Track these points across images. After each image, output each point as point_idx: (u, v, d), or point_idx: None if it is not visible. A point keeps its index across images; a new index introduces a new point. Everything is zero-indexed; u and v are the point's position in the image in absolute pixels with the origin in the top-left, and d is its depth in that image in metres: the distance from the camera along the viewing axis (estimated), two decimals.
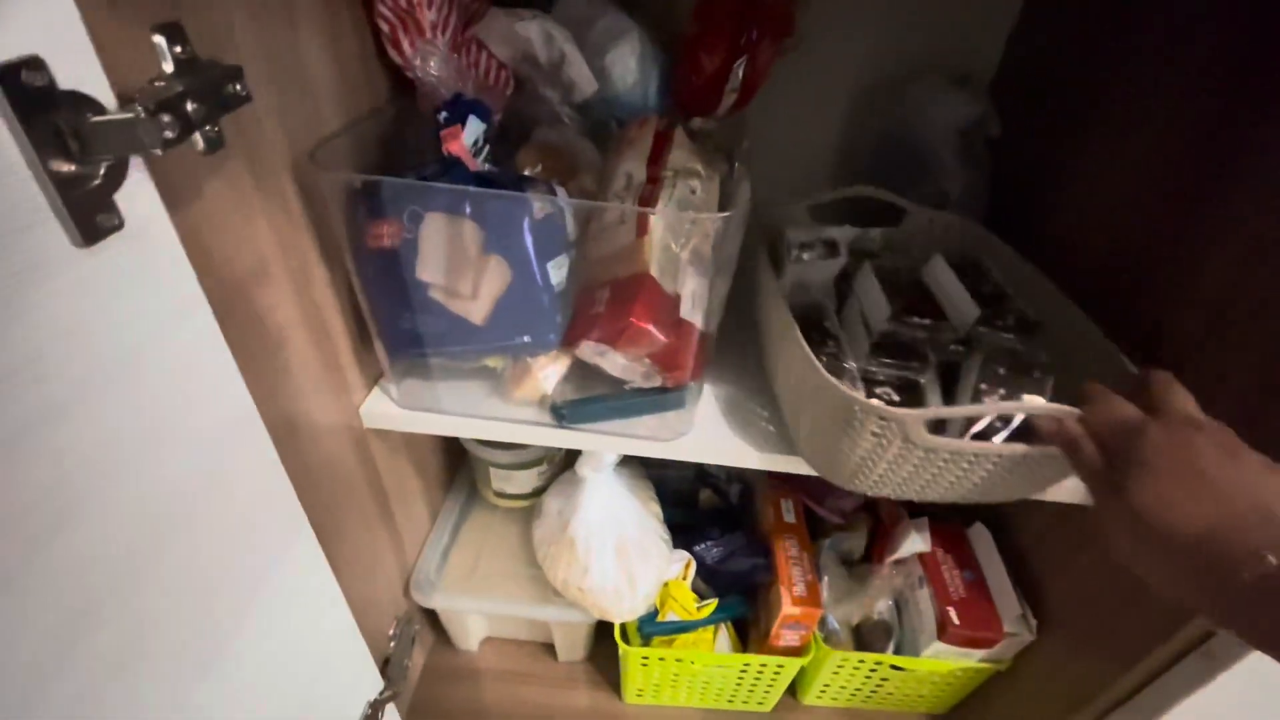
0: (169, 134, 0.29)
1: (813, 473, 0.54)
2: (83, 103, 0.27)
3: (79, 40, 0.27)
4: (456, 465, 0.86)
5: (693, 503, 0.85)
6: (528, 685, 0.80)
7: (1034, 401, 0.45)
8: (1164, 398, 0.37)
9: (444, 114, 0.52)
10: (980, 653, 0.68)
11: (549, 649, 0.82)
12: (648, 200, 0.54)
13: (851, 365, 0.52)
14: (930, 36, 0.80)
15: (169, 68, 0.31)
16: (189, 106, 0.31)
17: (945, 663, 0.69)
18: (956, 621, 0.66)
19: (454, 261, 0.47)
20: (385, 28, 0.50)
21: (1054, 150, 0.72)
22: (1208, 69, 0.53)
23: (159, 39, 0.31)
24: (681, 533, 0.77)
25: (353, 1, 0.48)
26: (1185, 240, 0.53)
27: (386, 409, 0.56)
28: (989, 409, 0.46)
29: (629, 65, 0.62)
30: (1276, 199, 0.46)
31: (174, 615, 0.35)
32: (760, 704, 0.77)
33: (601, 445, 0.56)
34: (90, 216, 0.27)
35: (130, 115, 0.27)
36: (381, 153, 0.53)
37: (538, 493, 0.80)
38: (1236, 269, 0.49)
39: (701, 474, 0.86)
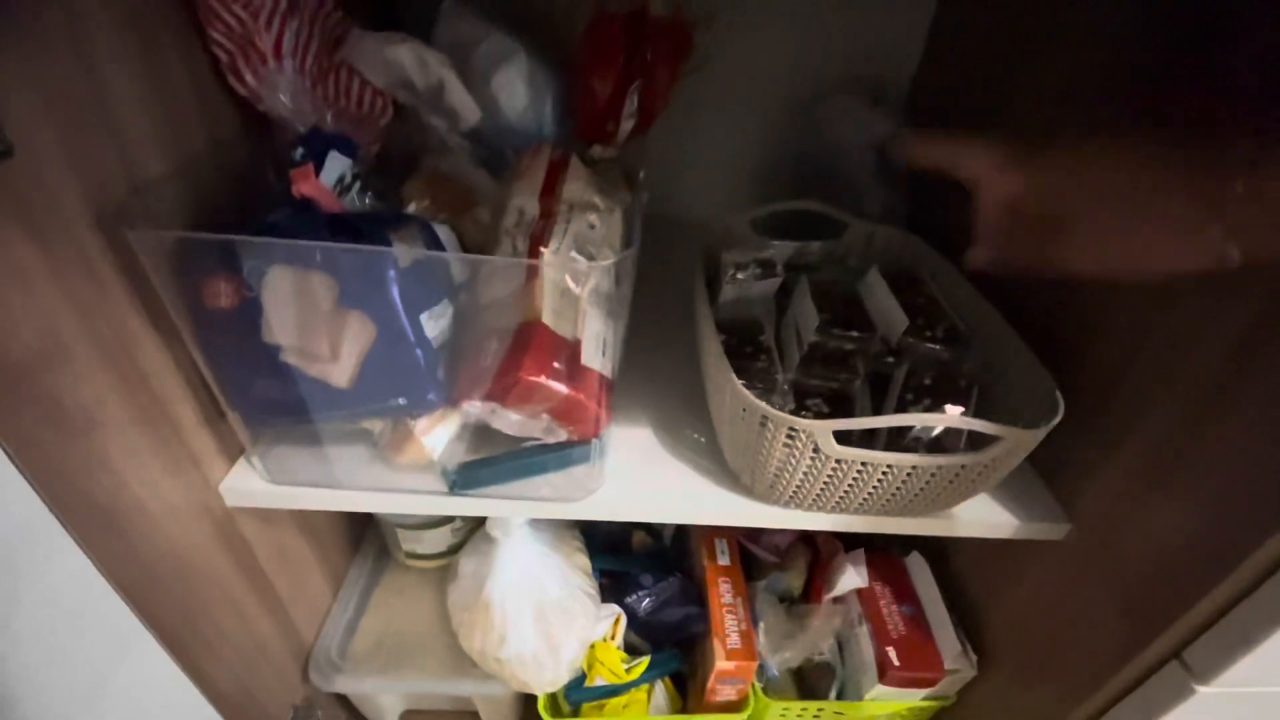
0: None
1: (738, 509, 0.51)
2: None
3: None
4: (364, 524, 0.79)
5: (626, 546, 0.80)
6: None
7: (951, 412, 0.44)
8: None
9: (300, 150, 0.46)
10: (923, 691, 0.65)
11: (476, 717, 0.75)
12: (539, 236, 0.49)
13: (783, 378, 0.52)
14: (842, 54, 0.79)
15: None
16: None
17: (889, 704, 0.66)
18: (896, 663, 0.63)
19: (306, 320, 0.41)
20: (222, 55, 0.44)
21: None
22: (1116, 79, 0.52)
23: None
24: (614, 581, 0.72)
25: (176, 28, 0.42)
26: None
27: (252, 485, 0.49)
28: (894, 420, 0.44)
29: (517, 90, 0.57)
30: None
31: None
32: None
33: (501, 511, 0.50)
34: None
35: None
36: (235, 194, 0.47)
37: (453, 550, 0.73)
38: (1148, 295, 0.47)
39: None
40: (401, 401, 0.44)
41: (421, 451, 0.47)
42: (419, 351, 0.43)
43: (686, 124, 0.80)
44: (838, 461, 0.45)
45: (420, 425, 0.46)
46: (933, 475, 0.46)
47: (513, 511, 0.51)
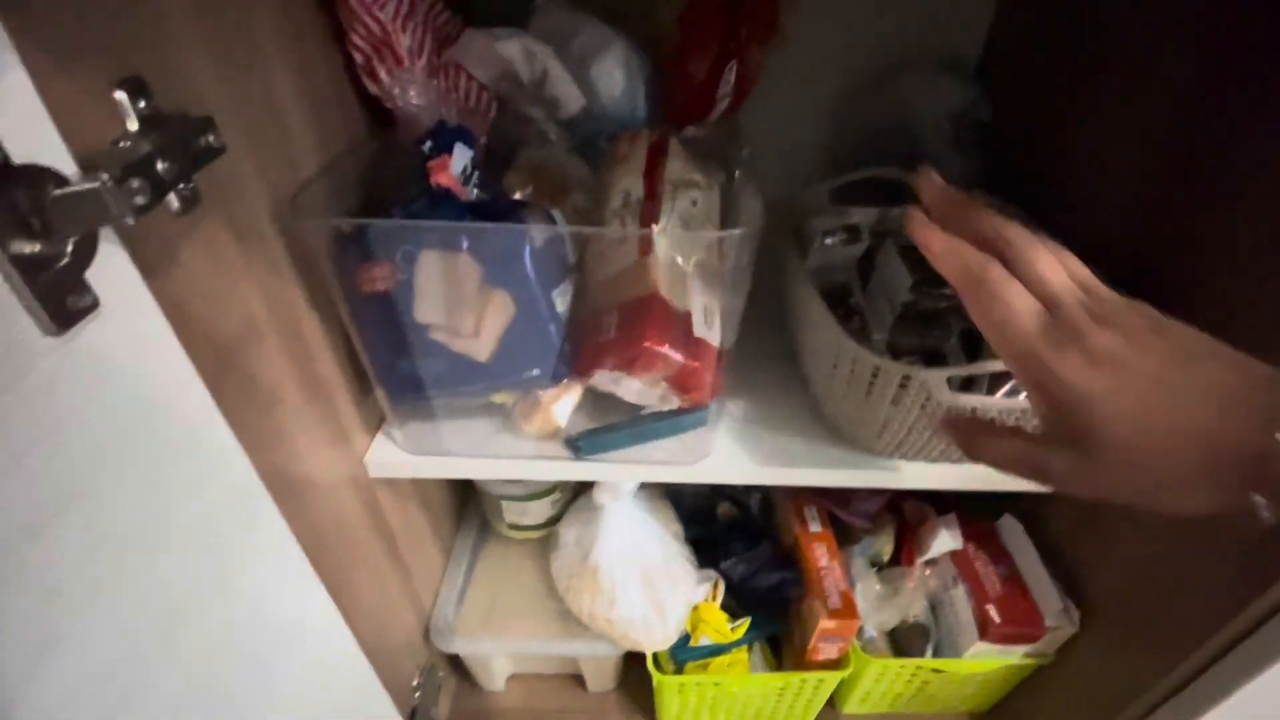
0: (140, 200, 0.26)
1: (843, 469, 0.53)
2: (41, 176, 0.24)
3: (31, 106, 0.24)
4: (465, 499, 0.83)
5: (711, 517, 0.82)
6: None
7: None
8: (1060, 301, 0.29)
9: (428, 144, 0.50)
10: (1023, 649, 0.66)
11: (578, 680, 0.79)
12: (648, 217, 0.52)
13: (877, 338, 0.53)
14: (914, 23, 0.78)
15: (133, 125, 0.29)
16: (159, 166, 0.28)
17: (988, 662, 0.67)
18: (997, 619, 0.64)
19: (453, 300, 0.45)
20: (359, 58, 0.47)
21: (1050, 129, 0.70)
22: (1210, 29, 0.51)
23: (120, 95, 0.28)
24: (702, 550, 0.74)
25: (320, 33, 0.45)
26: (1201, 209, 0.52)
27: (392, 456, 0.53)
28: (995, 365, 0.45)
29: (615, 77, 0.60)
30: None
31: (194, 710, 0.33)
32: (801, 718, 0.75)
33: (620, 475, 0.53)
34: (60, 300, 0.25)
35: (95, 184, 0.25)
36: (363, 191, 0.51)
37: (552, 522, 0.77)
38: (1251, 242, 0.47)
39: (718, 487, 0.83)
40: (535, 373, 0.48)
41: (550, 420, 0.50)
42: (552, 326, 0.46)
43: (758, 101, 0.81)
44: (949, 410, 0.46)
45: (549, 395, 0.50)
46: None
47: (631, 477, 0.53)
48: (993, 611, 0.65)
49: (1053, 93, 0.71)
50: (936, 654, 0.71)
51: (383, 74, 0.48)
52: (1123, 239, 0.59)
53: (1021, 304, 0.29)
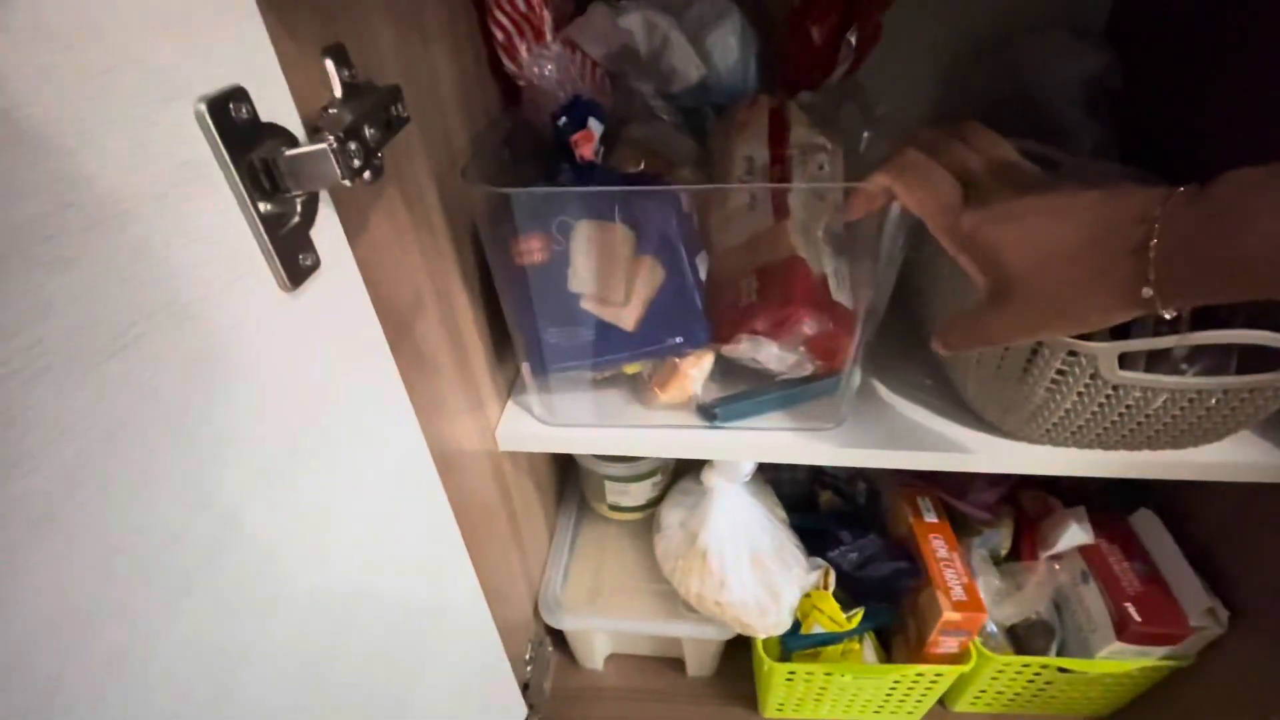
0: (357, 162, 0.27)
1: (987, 451, 0.51)
2: (279, 135, 0.25)
3: (270, 67, 0.25)
4: (566, 477, 0.84)
5: (813, 506, 0.81)
6: (659, 703, 0.77)
7: (1244, 332, 0.41)
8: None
9: (563, 119, 0.50)
10: (1161, 650, 0.62)
11: (676, 664, 0.79)
12: (780, 181, 0.51)
13: None
14: None
15: (338, 93, 0.30)
16: (367, 132, 0.29)
17: (1121, 663, 0.63)
18: (1138, 618, 0.60)
19: (606, 269, 0.45)
20: (500, 35, 0.48)
21: (1189, 97, 0.65)
22: None
23: (329, 63, 0.29)
24: (807, 538, 0.73)
25: (468, 13, 0.46)
26: None
27: (523, 429, 0.54)
28: (1195, 338, 0.41)
29: (730, 46, 0.59)
30: None
31: (360, 682, 0.34)
32: (910, 714, 0.73)
33: (752, 451, 0.53)
34: (294, 257, 0.26)
35: (323, 146, 0.25)
36: (503, 164, 0.51)
37: (652, 504, 0.77)
38: None
39: (818, 475, 0.82)
40: (678, 340, 0.48)
41: (685, 387, 0.50)
42: (697, 293, 0.46)
43: (869, 70, 0.78)
44: (1113, 389, 0.43)
45: (688, 362, 0.49)
46: (1216, 400, 0.43)
47: (765, 448, 0.52)
48: (1131, 609, 0.61)
49: (1192, 57, 0.65)
50: (1061, 654, 0.67)
51: (523, 50, 0.48)
52: None
53: (941, 180, 0.34)
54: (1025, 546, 0.70)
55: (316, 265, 0.27)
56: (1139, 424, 0.46)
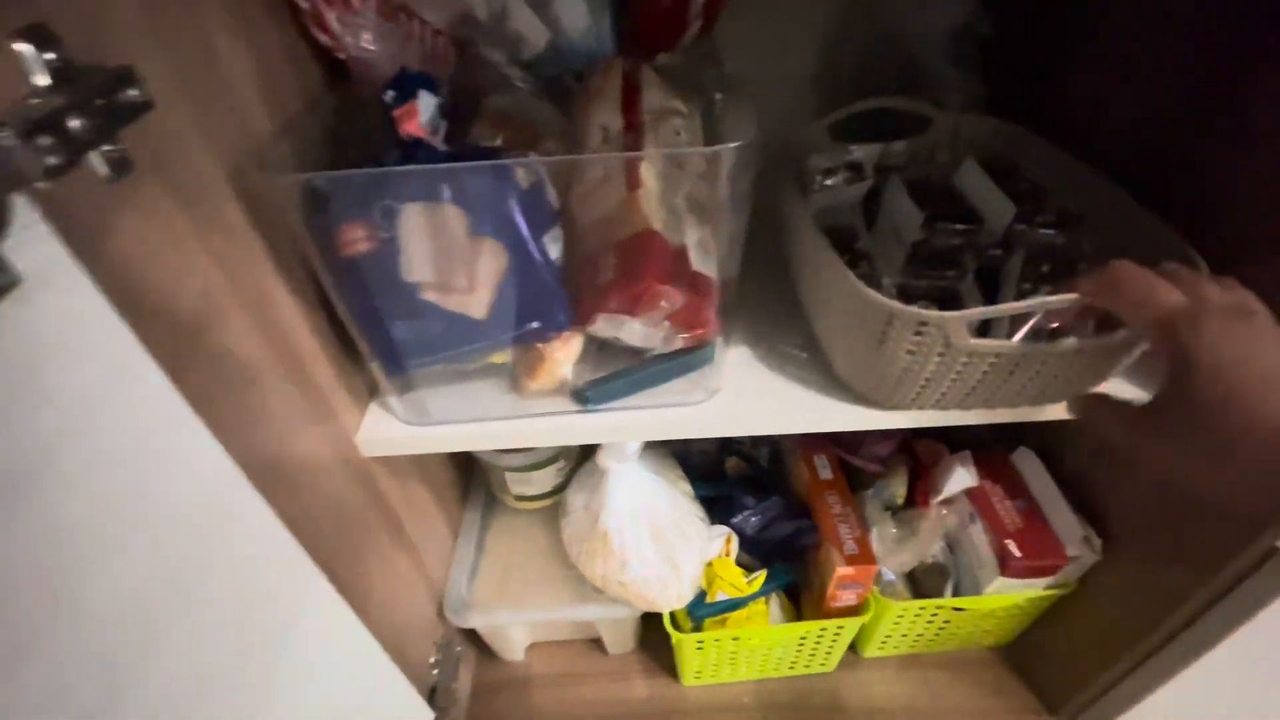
0: (52, 160, 0.23)
1: (855, 414, 0.51)
2: None
3: None
4: (469, 470, 0.81)
5: (720, 473, 0.81)
6: (583, 685, 0.77)
7: (1081, 291, 0.41)
8: (1197, 288, 0.33)
9: (391, 93, 0.46)
10: (1044, 581, 0.66)
11: (597, 644, 0.79)
12: (633, 150, 0.49)
13: (887, 282, 0.51)
14: None
15: (43, 80, 0.25)
16: (73, 123, 0.25)
17: (1009, 597, 0.66)
18: (1018, 553, 0.63)
19: (443, 254, 0.42)
20: (305, 4, 0.43)
21: (1055, 46, 0.66)
22: None
23: (23, 47, 0.25)
24: (714, 506, 0.73)
25: None
26: (1212, 138, 0.48)
27: (386, 433, 0.51)
28: (1035, 304, 0.42)
29: (579, 8, 0.56)
30: None
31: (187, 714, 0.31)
32: (823, 665, 0.75)
33: (631, 431, 0.51)
34: None
35: None
36: (328, 152, 0.47)
37: (559, 490, 0.75)
38: (1262, 176, 0.44)
39: (726, 442, 0.82)
40: (535, 325, 0.45)
41: (554, 373, 0.48)
42: (547, 274, 0.44)
43: (734, 29, 0.76)
44: (969, 356, 0.44)
45: (550, 348, 0.47)
46: (1066, 362, 0.45)
47: (642, 427, 0.51)
48: (1012, 546, 0.63)
49: (1058, 5, 0.66)
50: (956, 592, 0.70)
51: (332, 20, 0.44)
52: (1128, 166, 0.56)
53: (1164, 287, 0.33)
54: (919, 493, 0.72)
55: (11, 284, 0.23)
56: (998, 386, 0.47)
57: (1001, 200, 0.52)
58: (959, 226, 0.52)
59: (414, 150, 0.43)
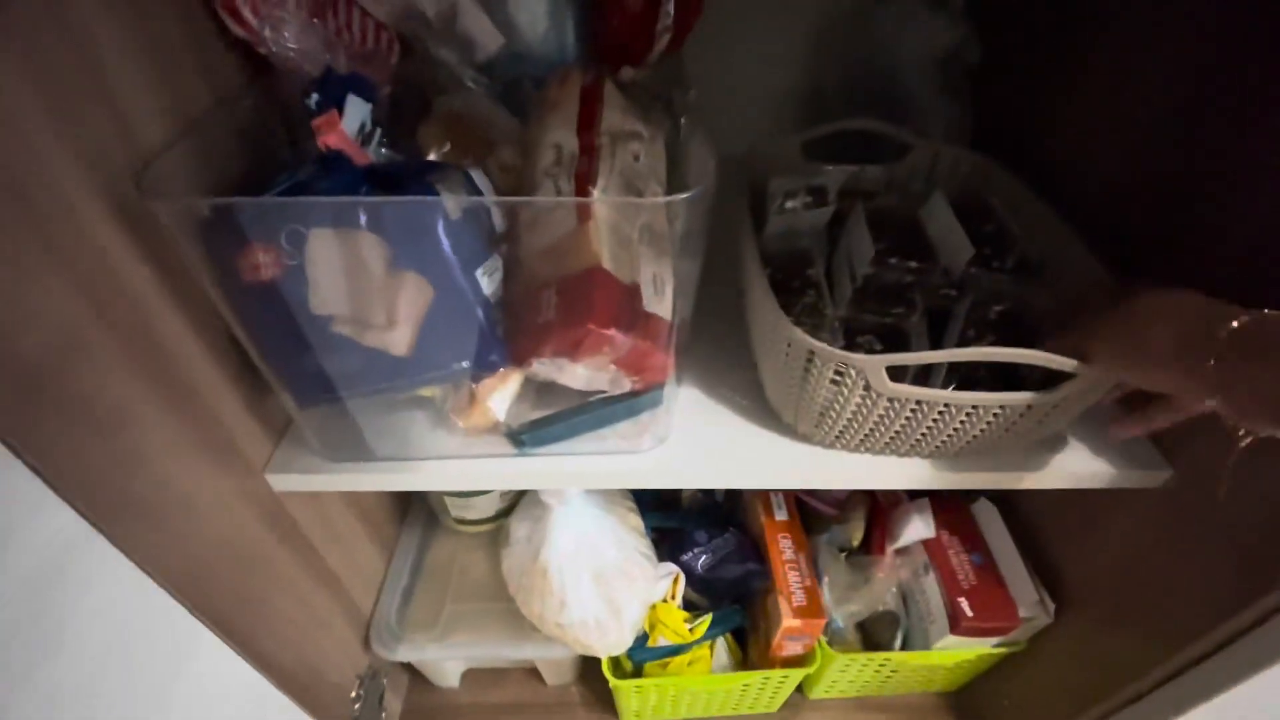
0: None
1: (800, 466, 0.49)
2: None
3: None
4: (409, 492, 0.77)
5: (676, 502, 0.78)
6: (518, 716, 0.74)
7: (1022, 349, 0.39)
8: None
9: (314, 97, 0.41)
10: (994, 640, 0.64)
11: (536, 674, 0.76)
12: (585, 175, 0.44)
13: (832, 313, 0.48)
14: None
15: None
16: None
17: (957, 653, 0.64)
18: (969, 614, 0.61)
19: (357, 286, 0.37)
20: None
21: (1047, 74, 0.63)
22: None
23: None
24: (666, 538, 0.70)
25: None
26: (1220, 169, 0.46)
27: (301, 468, 0.47)
28: (951, 355, 0.40)
29: (537, 10, 0.51)
30: None
31: None
32: (767, 707, 0.73)
33: (567, 479, 0.48)
34: None
35: None
36: (246, 154, 0.43)
37: (502, 514, 0.72)
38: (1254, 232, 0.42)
39: None
40: (464, 365, 0.41)
41: (486, 415, 0.44)
42: (479, 311, 0.40)
43: (717, 42, 0.72)
44: (890, 400, 0.42)
45: (483, 387, 0.43)
46: (995, 415, 0.42)
47: (582, 475, 0.48)
48: (964, 605, 0.61)
49: (1049, 34, 0.63)
50: (906, 642, 0.68)
51: (247, 13, 0.39)
52: (1118, 203, 0.53)
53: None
54: (876, 538, 0.69)
55: None
56: (923, 435, 0.45)
57: (962, 239, 0.50)
58: (910, 264, 0.50)
59: (333, 164, 0.39)
